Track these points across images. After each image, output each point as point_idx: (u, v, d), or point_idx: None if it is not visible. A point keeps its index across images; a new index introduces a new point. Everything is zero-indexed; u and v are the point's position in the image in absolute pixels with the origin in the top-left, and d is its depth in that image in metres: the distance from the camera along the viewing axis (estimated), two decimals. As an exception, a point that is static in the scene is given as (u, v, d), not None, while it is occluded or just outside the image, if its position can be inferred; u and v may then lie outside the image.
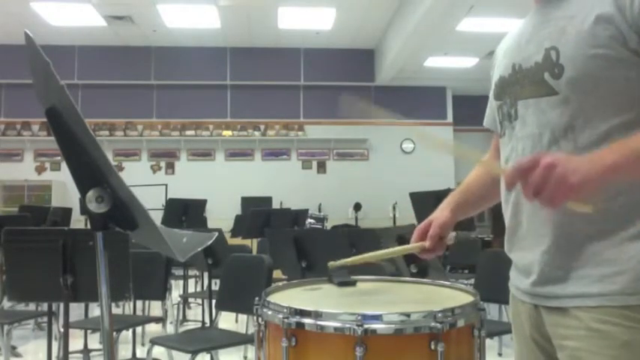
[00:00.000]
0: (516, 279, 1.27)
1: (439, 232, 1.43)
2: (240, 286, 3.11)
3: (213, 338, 3.10)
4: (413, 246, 1.44)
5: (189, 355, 2.80)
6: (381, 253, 1.53)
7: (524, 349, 1.27)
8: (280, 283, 1.54)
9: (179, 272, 5.84)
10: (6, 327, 3.76)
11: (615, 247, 1.07)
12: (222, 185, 9.95)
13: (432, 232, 1.43)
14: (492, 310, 4.55)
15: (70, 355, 2.93)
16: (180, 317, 5.18)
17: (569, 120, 1.11)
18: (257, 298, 1.34)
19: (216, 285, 3.72)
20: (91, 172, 1.06)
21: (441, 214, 1.46)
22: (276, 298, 1.37)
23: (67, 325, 2.75)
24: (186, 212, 5.92)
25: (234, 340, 3.18)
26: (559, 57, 1.12)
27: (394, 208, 9.89)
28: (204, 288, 5.31)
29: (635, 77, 1.07)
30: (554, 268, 1.14)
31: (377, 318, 1.18)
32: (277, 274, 3.76)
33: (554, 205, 0.98)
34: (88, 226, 1.19)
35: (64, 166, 8.86)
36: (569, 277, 1.12)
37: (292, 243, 3.63)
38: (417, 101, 10.67)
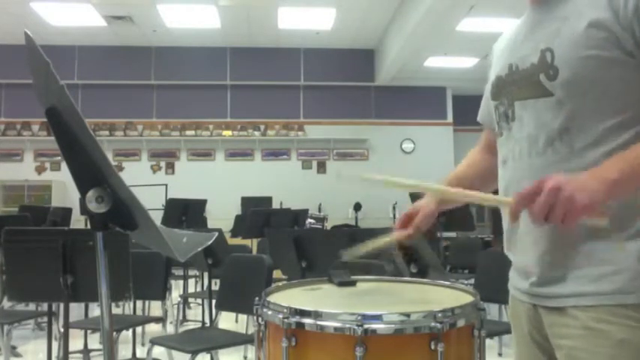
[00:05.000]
0: (515, 279, 1.27)
1: (425, 222, 1.47)
2: (240, 286, 3.11)
3: (213, 338, 3.10)
4: (400, 234, 1.48)
5: (189, 355, 2.79)
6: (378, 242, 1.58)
7: (524, 350, 1.27)
8: (280, 283, 1.54)
9: (179, 272, 5.84)
10: (6, 327, 3.75)
11: (613, 246, 1.07)
12: (222, 185, 9.95)
13: (418, 221, 1.46)
14: (492, 310, 4.55)
15: (70, 355, 2.92)
16: (180, 317, 5.17)
17: (564, 122, 1.11)
18: (257, 298, 1.34)
19: (216, 285, 3.72)
20: (91, 172, 1.06)
21: (428, 204, 1.48)
22: (276, 298, 1.37)
23: (67, 325, 2.75)
24: (186, 212, 5.91)
25: (234, 340, 3.18)
26: (554, 58, 1.12)
27: (394, 208, 9.88)
28: (204, 288, 5.30)
29: (630, 79, 1.06)
30: (552, 268, 1.14)
31: (377, 318, 1.18)
32: (277, 274, 3.75)
33: (568, 227, 0.99)
34: (88, 226, 1.19)
35: (64, 166, 8.87)
36: (567, 277, 1.12)
37: (292, 243, 3.62)
38: (417, 101, 10.69)
